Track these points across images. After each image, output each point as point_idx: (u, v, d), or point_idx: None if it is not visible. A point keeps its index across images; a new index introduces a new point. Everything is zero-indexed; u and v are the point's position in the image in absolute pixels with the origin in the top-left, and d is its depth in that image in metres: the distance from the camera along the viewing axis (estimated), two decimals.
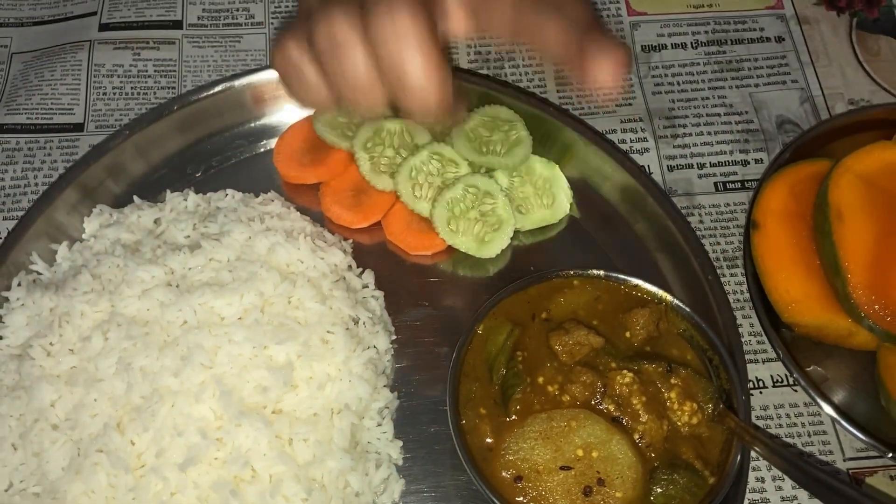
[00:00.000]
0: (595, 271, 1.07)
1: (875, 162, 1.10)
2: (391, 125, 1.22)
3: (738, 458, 0.95)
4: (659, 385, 0.98)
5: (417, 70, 0.82)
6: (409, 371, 1.11)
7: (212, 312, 1.02)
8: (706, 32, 1.39)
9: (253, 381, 0.98)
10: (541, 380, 0.99)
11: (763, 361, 1.13)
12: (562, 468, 0.93)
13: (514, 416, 0.97)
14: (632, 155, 1.28)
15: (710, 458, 0.96)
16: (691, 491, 0.93)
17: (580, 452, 0.93)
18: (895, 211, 1.07)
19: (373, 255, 1.20)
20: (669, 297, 1.04)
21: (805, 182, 1.15)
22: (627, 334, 1.03)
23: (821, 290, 1.09)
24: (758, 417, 1.09)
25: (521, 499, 0.92)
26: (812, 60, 1.36)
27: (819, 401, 1.07)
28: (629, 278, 1.06)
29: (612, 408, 0.97)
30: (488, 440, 0.96)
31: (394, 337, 1.13)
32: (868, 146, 1.11)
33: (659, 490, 0.93)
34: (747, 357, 1.12)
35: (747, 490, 1.01)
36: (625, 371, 0.97)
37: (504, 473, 0.94)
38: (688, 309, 1.04)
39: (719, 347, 1.01)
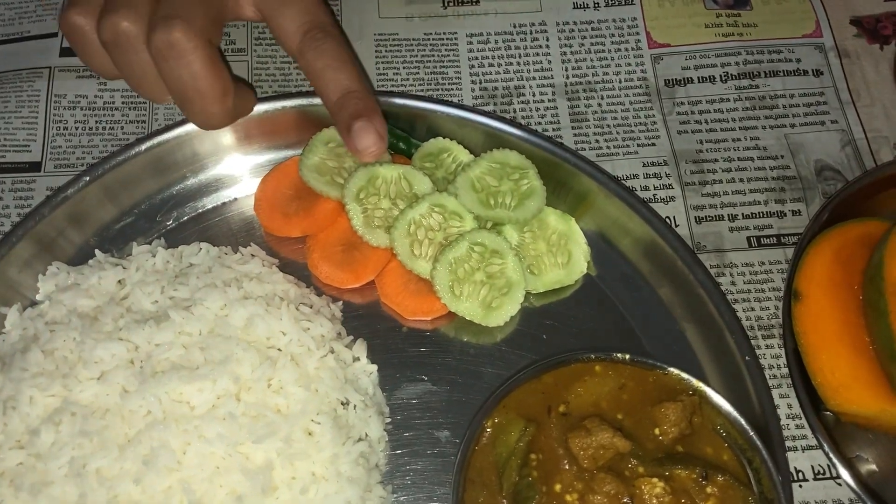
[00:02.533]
0: (619, 355, 0.94)
1: None
2: (387, 172, 1.08)
3: None
4: (693, 495, 0.86)
5: (194, 88, 0.95)
6: (406, 459, 0.98)
7: (180, 400, 0.90)
8: (736, 64, 1.25)
9: (226, 487, 0.86)
10: (557, 487, 0.86)
11: (803, 449, 1.01)
12: None
13: None
14: (656, 204, 1.15)
15: None
16: None
17: None
18: None
19: (365, 318, 1.07)
20: (704, 388, 0.92)
21: (853, 246, 1.03)
22: (657, 431, 0.90)
23: (872, 374, 0.96)
24: None
25: None
26: (853, 99, 1.23)
27: (866, 499, 0.95)
28: (658, 364, 0.93)
29: None
30: None
31: (388, 419, 1.00)
32: None
33: None
34: (785, 444, 1.00)
35: None
36: (654, 479, 0.85)
37: None
38: (726, 404, 0.91)
39: (760, 449, 0.89)
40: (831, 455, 0.96)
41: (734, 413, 0.90)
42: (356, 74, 1.03)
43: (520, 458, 0.87)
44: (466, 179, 1.08)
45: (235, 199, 1.14)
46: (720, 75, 1.25)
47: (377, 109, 1.03)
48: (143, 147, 1.10)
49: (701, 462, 0.88)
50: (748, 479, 0.89)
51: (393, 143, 1.13)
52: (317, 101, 1.11)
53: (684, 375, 0.93)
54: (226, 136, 1.12)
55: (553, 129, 1.21)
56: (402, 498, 0.96)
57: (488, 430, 0.90)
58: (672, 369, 0.93)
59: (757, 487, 0.88)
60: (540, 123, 1.21)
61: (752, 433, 0.89)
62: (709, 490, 0.86)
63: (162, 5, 0.94)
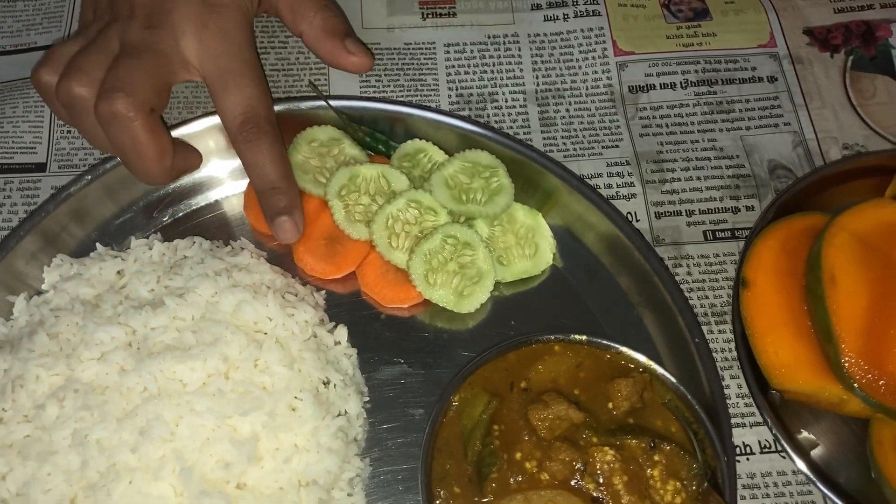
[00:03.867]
0: (577, 336, 1.02)
1: (870, 220, 1.05)
2: (367, 171, 1.17)
3: None
4: (641, 462, 0.94)
5: (134, 151, 1.06)
6: (383, 435, 1.06)
7: (173, 378, 0.97)
8: (696, 72, 1.34)
9: (215, 456, 0.94)
10: (518, 455, 0.94)
11: (751, 425, 1.09)
12: None
13: (489, 497, 0.92)
14: (618, 201, 1.23)
15: None
16: None
17: None
18: (891, 274, 1.02)
19: (346, 307, 1.15)
20: (654, 366, 1.00)
21: (798, 238, 1.11)
22: (610, 405, 0.98)
23: (812, 355, 1.04)
24: (744, 486, 1.05)
25: None
26: (805, 102, 1.31)
27: (807, 470, 1.03)
28: (612, 344, 1.02)
29: (592, 487, 0.92)
30: None
31: (366, 398, 1.08)
32: (863, 203, 1.07)
33: None
34: (734, 421, 1.08)
35: None
36: (606, 448, 0.93)
37: None
38: (673, 379, 0.99)
39: (705, 421, 0.97)
40: (774, 430, 1.04)
41: (681, 388, 0.99)
42: (282, 171, 1.12)
43: (483, 429, 0.95)
44: (440, 177, 1.16)
45: (226, 197, 1.22)
46: (680, 82, 1.34)
47: (297, 204, 1.13)
48: None
49: (650, 433, 0.96)
50: (693, 449, 0.97)
51: (373, 146, 1.22)
52: (302, 104, 1.21)
53: (636, 355, 1.01)
54: (217, 139, 1.21)
55: (524, 133, 1.29)
56: (378, 469, 1.04)
57: (455, 404, 0.98)
58: (625, 349, 1.01)
59: (701, 456, 0.96)
60: (511, 127, 1.30)
61: (697, 407, 0.97)
62: (656, 458, 0.94)
63: (109, 75, 1.04)
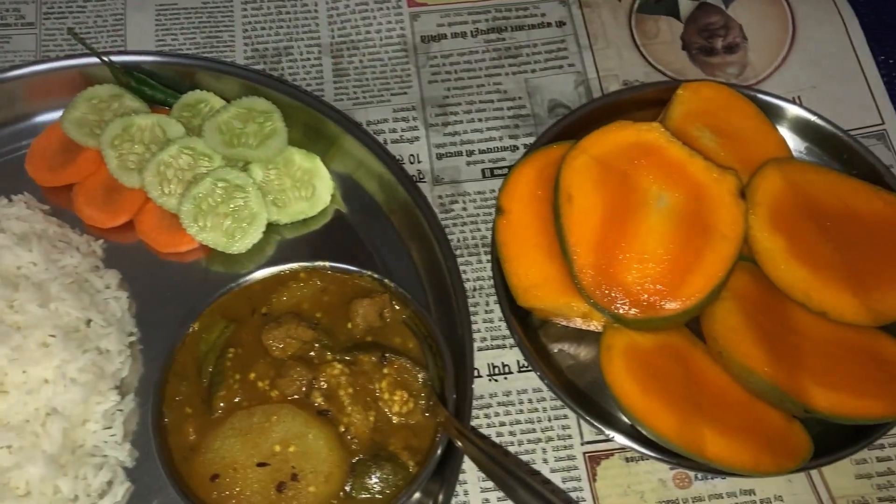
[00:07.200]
0: (321, 263, 1.05)
1: (610, 143, 1.09)
2: (142, 121, 1.19)
3: (441, 447, 0.94)
4: (371, 375, 0.97)
5: None
6: (151, 373, 1.09)
7: None
8: (487, 20, 1.38)
9: None
10: (252, 376, 0.97)
11: (510, 346, 1.12)
12: (259, 465, 0.91)
13: (218, 413, 0.95)
14: (402, 144, 1.27)
15: (422, 448, 0.95)
16: (392, 482, 0.92)
17: (277, 448, 0.92)
18: (623, 191, 1.06)
19: (126, 255, 1.18)
20: (392, 285, 1.03)
21: (553, 166, 1.14)
22: (349, 325, 1.01)
23: (561, 275, 1.08)
24: (500, 403, 1.08)
25: (216, 496, 0.91)
26: (591, 44, 1.36)
27: (551, 385, 1.06)
28: (354, 268, 1.05)
29: (320, 401, 0.95)
30: (192, 439, 0.94)
31: (134, 338, 1.10)
32: (605, 127, 1.11)
33: (357, 483, 0.91)
34: (496, 342, 1.12)
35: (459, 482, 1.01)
36: (335, 363, 0.96)
37: (202, 472, 0.92)
38: (409, 295, 1.03)
39: (437, 333, 1.00)
40: (522, 349, 1.08)
41: (416, 305, 1.02)
42: None
43: (217, 352, 0.98)
44: (214, 123, 1.19)
45: (17, 154, 1.24)
46: (471, 31, 1.38)
47: None
48: None
49: (385, 349, 0.99)
50: (427, 363, 1.00)
51: (149, 94, 1.24)
52: (85, 60, 1.24)
53: (377, 276, 1.04)
54: (6, 98, 1.23)
55: (317, 84, 1.33)
56: (144, 407, 1.06)
57: (194, 330, 1.01)
58: (367, 272, 1.04)
59: (434, 368, 0.99)
60: (305, 79, 1.33)
61: (430, 320, 1.01)
62: (385, 371, 0.97)
63: None
